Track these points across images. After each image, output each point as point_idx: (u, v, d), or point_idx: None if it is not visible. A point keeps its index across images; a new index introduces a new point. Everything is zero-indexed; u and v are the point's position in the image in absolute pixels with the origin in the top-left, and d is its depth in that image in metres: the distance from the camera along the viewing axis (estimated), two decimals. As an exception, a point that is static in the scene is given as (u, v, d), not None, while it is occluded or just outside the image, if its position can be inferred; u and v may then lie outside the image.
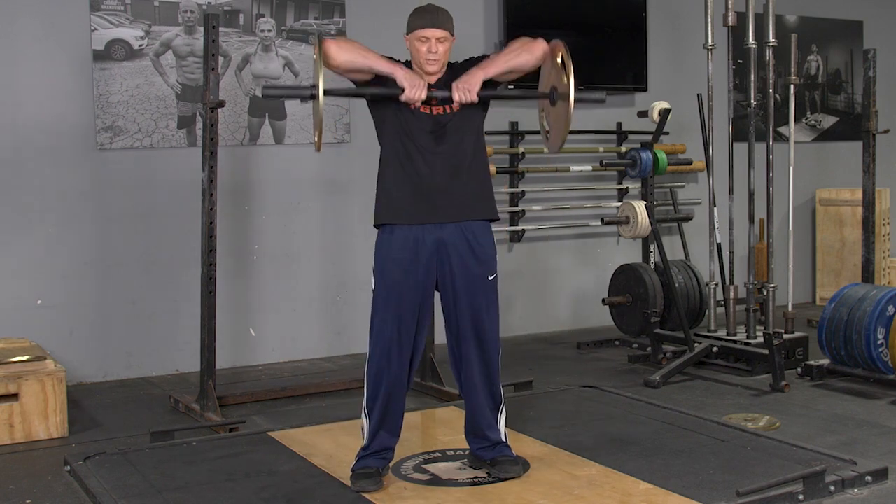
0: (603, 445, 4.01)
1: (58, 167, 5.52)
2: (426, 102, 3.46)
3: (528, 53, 3.54)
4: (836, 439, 4.21)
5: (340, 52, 3.40)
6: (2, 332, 5.24)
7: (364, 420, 3.58)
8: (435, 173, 3.48)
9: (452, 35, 3.53)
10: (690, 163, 6.71)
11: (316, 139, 3.33)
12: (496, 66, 3.50)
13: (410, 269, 3.50)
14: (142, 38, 5.69)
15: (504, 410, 3.68)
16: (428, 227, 3.49)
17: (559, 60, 3.47)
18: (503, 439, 3.67)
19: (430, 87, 3.45)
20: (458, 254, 3.51)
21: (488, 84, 3.50)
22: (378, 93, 3.49)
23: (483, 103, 3.55)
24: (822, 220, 7.97)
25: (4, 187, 5.41)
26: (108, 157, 5.64)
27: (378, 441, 3.56)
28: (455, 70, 3.56)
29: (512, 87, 4.81)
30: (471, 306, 3.54)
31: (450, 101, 3.45)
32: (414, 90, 3.38)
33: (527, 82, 3.94)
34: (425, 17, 3.49)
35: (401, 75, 3.41)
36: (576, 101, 3.41)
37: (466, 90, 3.41)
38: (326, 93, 3.29)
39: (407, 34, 3.53)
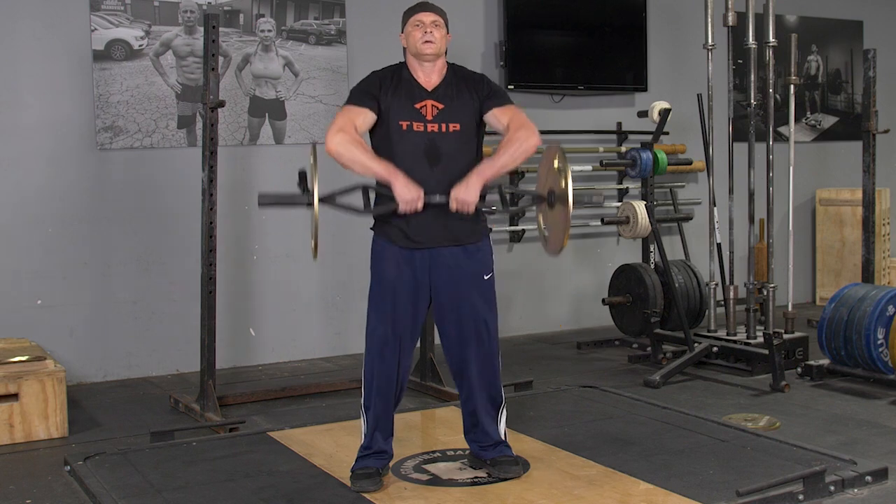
0: (603, 445, 4.01)
1: (58, 167, 5.52)
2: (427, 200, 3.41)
3: (524, 154, 3.45)
4: (836, 439, 4.21)
5: (341, 155, 3.35)
6: (2, 332, 5.24)
7: (362, 420, 3.60)
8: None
9: (448, 31, 3.58)
10: (690, 163, 6.71)
11: (312, 246, 3.34)
12: (494, 171, 3.41)
13: (405, 268, 3.52)
14: (142, 38, 5.69)
15: (504, 411, 3.69)
16: (421, 250, 3.51)
17: (556, 165, 3.43)
18: (503, 439, 3.67)
19: (426, 195, 3.37)
20: (453, 260, 3.53)
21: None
22: (377, 212, 3.46)
23: (479, 124, 3.55)
24: (822, 220, 7.97)
25: (5, 187, 5.41)
26: (108, 157, 5.64)
27: (375, 441, 3.57)
28: (461, 80, 3.54)
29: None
30: (471, 307, 3.55)
31: (447, 204, 3.39)
32: (409, 205, 3.35)
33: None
34: (417, 5, 3.60)
35: (398, 187, 3.34)
36: (574, 203, 3.37)
37: (465, 203, 3.36)
38: (322, 202, 3.30)
39: (402, 31, 3.61)
